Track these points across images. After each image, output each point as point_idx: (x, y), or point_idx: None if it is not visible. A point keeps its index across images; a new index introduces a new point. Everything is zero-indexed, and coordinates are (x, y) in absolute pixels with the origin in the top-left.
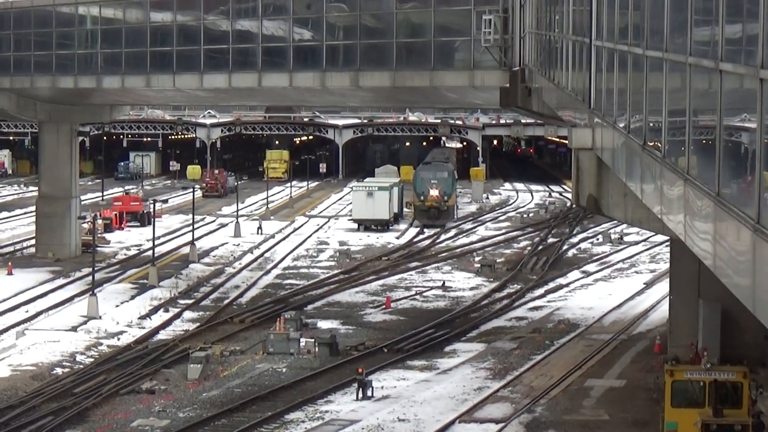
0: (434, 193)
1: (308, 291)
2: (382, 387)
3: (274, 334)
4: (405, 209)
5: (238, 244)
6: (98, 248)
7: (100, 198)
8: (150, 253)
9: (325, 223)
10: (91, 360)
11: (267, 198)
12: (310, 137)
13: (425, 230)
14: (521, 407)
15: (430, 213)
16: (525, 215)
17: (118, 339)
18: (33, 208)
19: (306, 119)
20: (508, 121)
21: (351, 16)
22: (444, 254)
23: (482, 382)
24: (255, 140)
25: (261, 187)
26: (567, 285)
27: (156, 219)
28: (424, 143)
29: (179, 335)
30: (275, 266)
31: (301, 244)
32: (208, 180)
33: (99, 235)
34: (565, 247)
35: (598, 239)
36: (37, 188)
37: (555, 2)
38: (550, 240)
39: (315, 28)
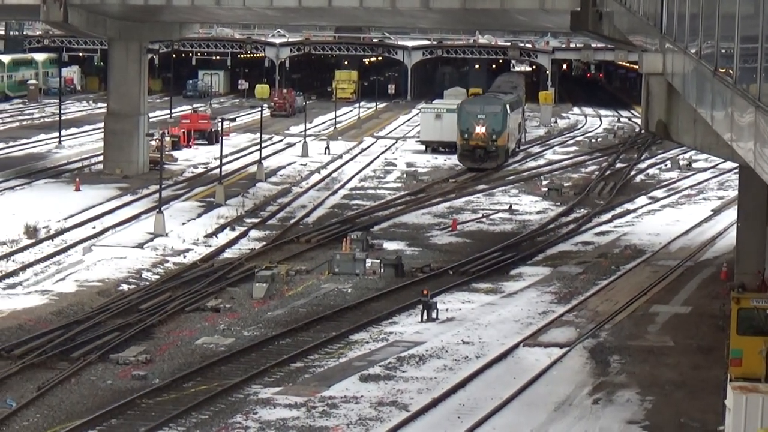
0: (480, 130)
1: (375, 212)
2: (446, 309)
3: (339, 254)
4: None
5: (306, 164)
6: (165, 166)
7: (169, 116)
8: (217, 171)
9: (393, 144)
10: (157, 277)
11: (335, 118)
12: (379, 58)
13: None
14: (586, 332)
15: (475, 154)
16: (593, 140)
17: (184, 257)
18: (101, 124)
19: (375, 40)
20: (578, 45)
21: None
22: (511, 177)
23: (547, 306)
24: (324, 60)
25: (329, 107)
26: (634, 210)
27: (224, 137)
28: (494, 66)
29: (245, 254)
30: (342, 186)
31: (368, 165)
32: (276, 99)
33: (167, 153)
34: (633, 172)
35: (666, 165)
36: (105, 105)
37: None
38: (618, 165)
39: None
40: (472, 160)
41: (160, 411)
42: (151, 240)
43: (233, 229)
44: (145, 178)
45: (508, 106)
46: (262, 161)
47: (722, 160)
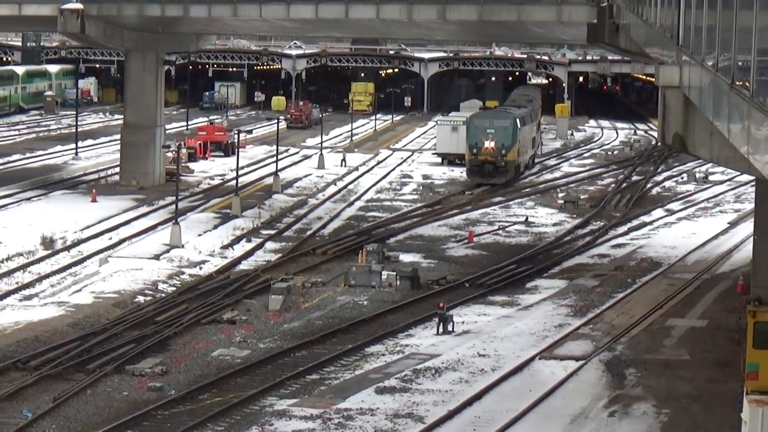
0: (489, 145)
1: (391, 224)
2: (462, 322)
3: (355, 266)
4: None
5: (322, 176)
6: (182, 177)
7: (185, 127)
8: (233, 183)
9: (409, 156)
10: (173, 289)
11: (351, 130)
12: (396, 70)
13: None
14: (602, 345)
15: (483, 169)
16: (609, 152)
17: (200, 268)
18: (118, 136)
19: (392, 52)
20: (594, 58)
21: None
22: (527, 190)
23: (563, 319)
24: (340, 72)
25: (345, 119)
26: (650, 223)
27: (240, 149)
28: (510, 78)
29: (261, 266)
30: (358, 198)
31: (384, 176)
32: (292, 111)
33: (183, 164)
34: (649, 185)
35: (682, 177)
36: (122, 116)
37: None
38: (635, 177)
39: None
40: (480, 176)
41: (175, 422)
42: (167, 251)
43: (249, 241)
44: (162, 189)
45: (518, 120)
46: (279, 173)
47: (739, 173)
